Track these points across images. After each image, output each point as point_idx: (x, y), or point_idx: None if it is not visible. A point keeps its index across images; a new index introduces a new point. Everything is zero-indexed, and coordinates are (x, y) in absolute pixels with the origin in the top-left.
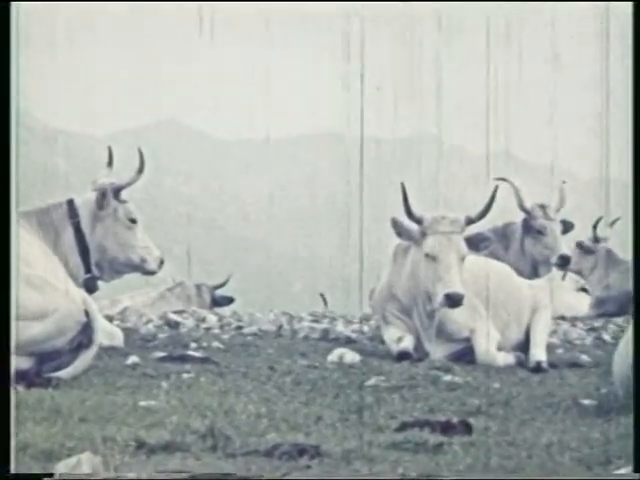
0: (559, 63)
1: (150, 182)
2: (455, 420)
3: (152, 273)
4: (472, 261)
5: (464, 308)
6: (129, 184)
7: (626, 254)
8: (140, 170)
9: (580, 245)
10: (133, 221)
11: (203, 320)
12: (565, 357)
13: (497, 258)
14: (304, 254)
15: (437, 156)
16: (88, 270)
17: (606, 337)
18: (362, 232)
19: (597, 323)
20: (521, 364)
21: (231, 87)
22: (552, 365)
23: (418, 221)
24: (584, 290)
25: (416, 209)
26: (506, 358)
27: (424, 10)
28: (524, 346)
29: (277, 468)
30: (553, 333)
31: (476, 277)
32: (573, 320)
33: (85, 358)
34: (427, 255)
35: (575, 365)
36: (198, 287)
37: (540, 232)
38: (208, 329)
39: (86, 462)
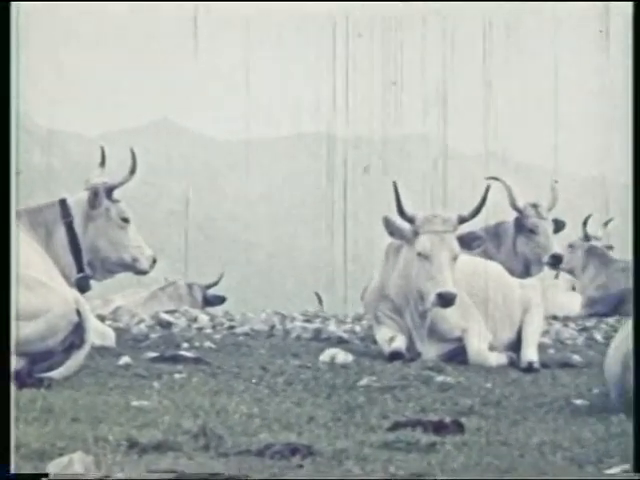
0: (559, 63)
1: (142, 182)
2: (447, 420)
3: (144, 273)
4: (464, 260)
5: (456, 308)
6: (121, 184)
7: (619, 254)
8: (132, 170)
9: (571, 245)
10: (125, 220)
11: (195, 320)
12: (557, 357)
13: (489, 257)
14: (296, 253)
15: (427, 156)
16: (80, 269)
17: (598, 337)
18: (345, 231)
19: (589, 323)
20: (513, 364)
21: (222, 87)
22: (544, 365)
23: (410, 220)
24: (574, 289)
25: (408, 208)
26: (498, 358)
27: (419, 9)
28: (516, 346)
29: (269, 468)
30: (545, 333)
31: (468, 277)
32: (565, 320)
33: (77, 358)
34: (419, 254)
35: (567, 365)
36: (190, 286)
37: (532, 231)
38: (200, 329)
39: (78, 462)
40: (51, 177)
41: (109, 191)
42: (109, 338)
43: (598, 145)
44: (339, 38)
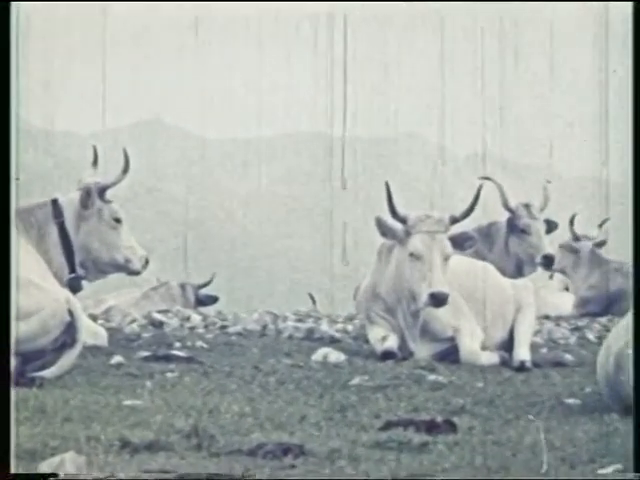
0: (558, 63)
1: (135, 181)
2: (439, 419)
3: (137, 273)
4: (457, 261)
5: (448, 307)
6: (114, 184)
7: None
8: (125, 170)
9: (562, 245)
10: (118, 221)
11: (187, 319)
12: (549, 356)
13: (481, 257)
14: (289, 253)
15: (422, 155)
16: (72, 270)
17: (590, 336)
18: (341, 231)
19: (581, 322)
20: (505, 363)
21: (214, 86)
22: (536, 364)
23: (402, 220)
24: (568, 289)
25: (400, 208)
26: (490, 357)
27: (416, 9)
28: (508, 345)
29: (261, 467)
30: (537, 332)
31: (460, 277)
32: (557, 319)
33: (69, 357)
34: (411, 254)
35: (559, 364)
36: (182, 286)
37: (524, 231)
38: (192, 328)
39: (70, 462)
40: (44, 176)
41: (101, 191)
42: (101, 337)
43: (597, 145)
44: (335, 38)
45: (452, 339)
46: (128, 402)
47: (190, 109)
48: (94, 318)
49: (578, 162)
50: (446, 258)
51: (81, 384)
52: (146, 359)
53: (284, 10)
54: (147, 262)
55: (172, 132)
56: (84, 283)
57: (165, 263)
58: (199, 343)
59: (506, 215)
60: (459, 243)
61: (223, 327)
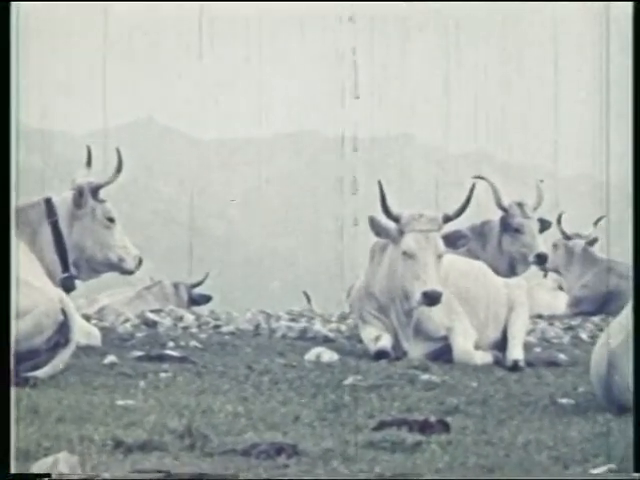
0: (557, 63)
1: (128, 181)
2: (433, 419)
3: (130, 273)
4: (450, 260)
5: (441, 307)
6: (107, 183)
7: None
8: (118, 169)
9: (555, 244)
10: (111, 220)
11: (181, 319)
12: (542, 356)
13: (475, 256)
14: (282, 253)
15: (415, 156)
16: (66, 269)
17: (583, 336)
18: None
19: (574, 322)
20: (498, 363)
21: (209, 86)
22: (529, 364)
23: (395, 219)
24: (562, 288)
25: (394, 207)
26: (483, 357)
27: (415, 9)
28: (501, 345)
29: (255, 467)
30: (530, 332)
31: (454, 276)
32: (551, 319)
33: (62, 357)
34: (405, 253)
35: (552, 364)
36: (176, 286)
37: (518, 230)
38: (186, 328)
39: (63, 462)
40: (37, 175)
41: (95, 191)
42: (94, 337)
43: (596, 145)
44: (333, 37)
45: (445, 338)
46: (121, 402)
47: (186, 109)
48: (87, 318)
49: (578, 162)
50: (439, 257)
51: (74, 384)
52: (139, 359)
53: (283, 10)
54: (140, 262)
55: (166, 132)
56: (77, 282)
57: (159, 262)
58: (192, 343)
59: (499, 214)
60: (452, 242)
61: (216, 327)
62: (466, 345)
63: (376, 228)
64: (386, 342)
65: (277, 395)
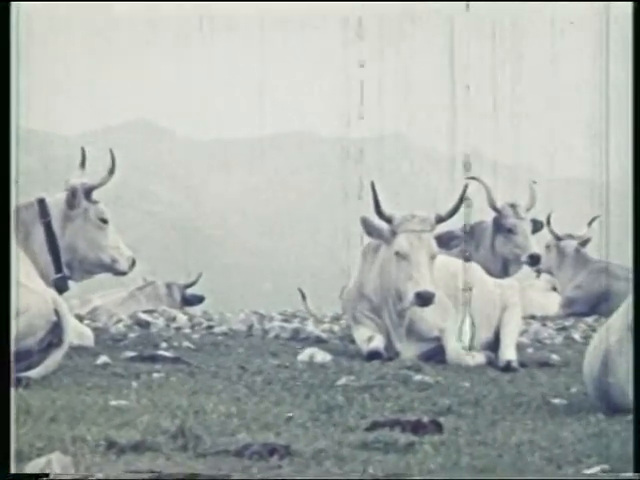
0: (557, 63)
1: (121, 182)
2: (425, 419)
3: (123, 274)
4: (442, 260)
5: (434, 307)
6: (101, 184)
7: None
8: (111, 170)
9: (548, 245)
10: (104, 221)
11: (173, 319)
12: (535, 356)
13: (467, 257)
14: (275, 253)
15: (409, 156)
16: (59, 270)
17: (576, 336)
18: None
19: (567, 322)
20: (491, 363)
21: (202, 87)
22: (522, 364)
23: (388, 220)
24: (555, 289)
25: (386, 208)
26: (476, 357)
27: (415, 9)
28: (494, 345)
29: (247, 468)
30: (523, 332)
31: (446, 276)
32: (543, 319)
33: (55, 358)
34: (397, 254)
35: (545, 364)
36: (168, 286)
37: (510, 231)
38: (178, 329)
39: (56, 462)
40: (30, 177)
41: (88, 192)
42: (87, 338)
43: (595, 145)
44: (329, 36)
45: (438, 339)
46: (114, 402)
47: (175, 110)
48: (80, 318)
49: (575, 163)
50: (432, 257)
51: (67, 384)
52: (132, 359)
53: (284, 10)
54: (134, 263)
55: (160, 133)
56: (70, 283)
57: (152, 263)
58: (185, 343)
59: (492, 215)
60: (445, 242)
61: (209, 327)
62: (459, 346)
63: (368, 229)
64: (379, 343)
65: (270, 396)
